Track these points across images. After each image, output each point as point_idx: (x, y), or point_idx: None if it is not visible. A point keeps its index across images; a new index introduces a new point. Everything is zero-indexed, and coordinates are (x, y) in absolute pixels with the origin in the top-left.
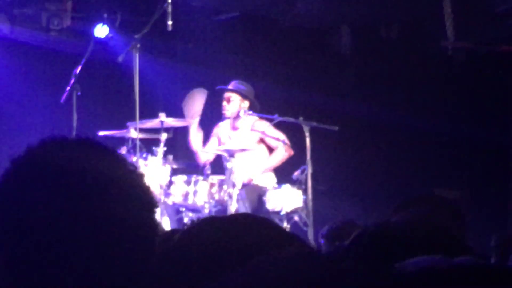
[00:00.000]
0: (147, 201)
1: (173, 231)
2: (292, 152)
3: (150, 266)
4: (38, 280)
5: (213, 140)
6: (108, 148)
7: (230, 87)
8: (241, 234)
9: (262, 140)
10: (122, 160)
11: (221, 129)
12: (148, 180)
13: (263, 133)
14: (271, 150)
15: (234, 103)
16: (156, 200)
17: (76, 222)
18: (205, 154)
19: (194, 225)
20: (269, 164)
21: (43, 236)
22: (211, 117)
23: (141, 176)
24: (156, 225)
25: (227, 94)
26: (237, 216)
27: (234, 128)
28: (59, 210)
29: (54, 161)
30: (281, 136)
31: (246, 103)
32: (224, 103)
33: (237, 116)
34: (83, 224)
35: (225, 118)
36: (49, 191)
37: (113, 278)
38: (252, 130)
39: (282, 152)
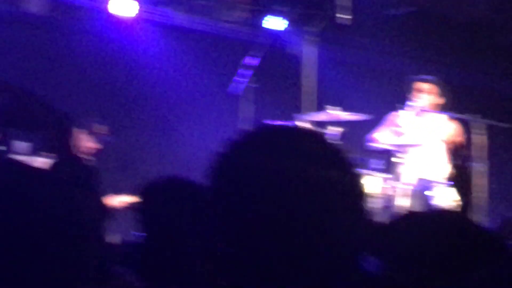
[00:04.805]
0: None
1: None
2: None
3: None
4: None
5: (388, 129)
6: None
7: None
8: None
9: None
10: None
11: (402, 118)
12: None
13: (451, 135)
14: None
15: (430, 96)
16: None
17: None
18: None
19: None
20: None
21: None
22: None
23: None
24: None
25: (424, 85)
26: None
27: (421, 120)
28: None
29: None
30: (463, 137)
31: (440, 100)
32: (419, 93)
33: (425, 110)
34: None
35: (411, 108)
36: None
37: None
38: (440, 128)
39: (463, 151)
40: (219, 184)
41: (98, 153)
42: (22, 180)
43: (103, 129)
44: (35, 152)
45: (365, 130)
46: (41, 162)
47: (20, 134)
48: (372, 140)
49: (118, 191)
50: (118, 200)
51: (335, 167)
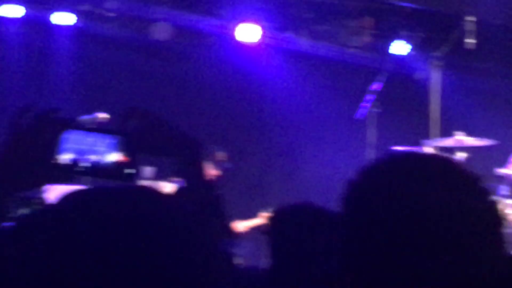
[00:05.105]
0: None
1: None
2: None
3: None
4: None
5: None
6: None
7: None
8: None
9: None
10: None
11: None
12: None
13: None
14: None
15: None
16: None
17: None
18: None
19: None
20: None
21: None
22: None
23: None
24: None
25: None
26: None
27: None
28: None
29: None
30: None
31: None
32: None
33: None
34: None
35: None
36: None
37: None
38: None
39: None
40: (351, 211)
41: (219, 180)
42: (151, 205)
43: (223, 156)
44: (163, 177)
45: (490, 155)
46: (169, 187)
47: (148, 159)
48: (508, 167)
49: (244, 216)
50: (244, 225)
51: (472, 193)
